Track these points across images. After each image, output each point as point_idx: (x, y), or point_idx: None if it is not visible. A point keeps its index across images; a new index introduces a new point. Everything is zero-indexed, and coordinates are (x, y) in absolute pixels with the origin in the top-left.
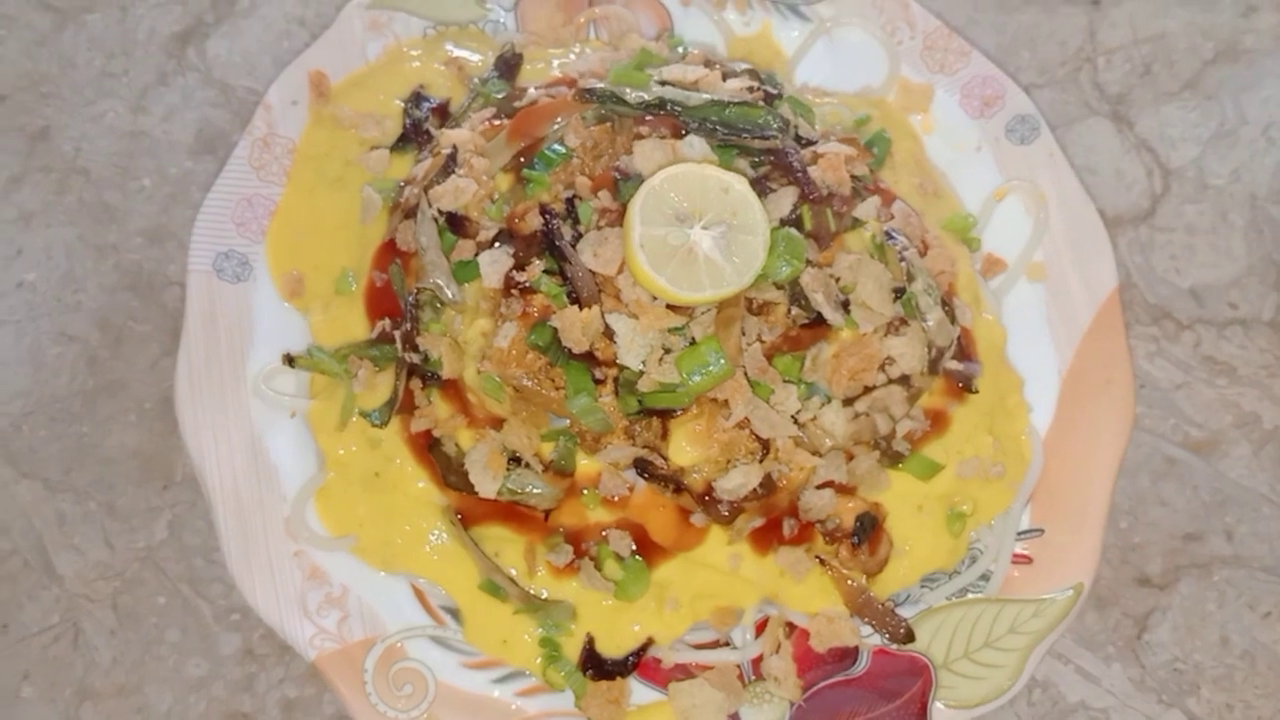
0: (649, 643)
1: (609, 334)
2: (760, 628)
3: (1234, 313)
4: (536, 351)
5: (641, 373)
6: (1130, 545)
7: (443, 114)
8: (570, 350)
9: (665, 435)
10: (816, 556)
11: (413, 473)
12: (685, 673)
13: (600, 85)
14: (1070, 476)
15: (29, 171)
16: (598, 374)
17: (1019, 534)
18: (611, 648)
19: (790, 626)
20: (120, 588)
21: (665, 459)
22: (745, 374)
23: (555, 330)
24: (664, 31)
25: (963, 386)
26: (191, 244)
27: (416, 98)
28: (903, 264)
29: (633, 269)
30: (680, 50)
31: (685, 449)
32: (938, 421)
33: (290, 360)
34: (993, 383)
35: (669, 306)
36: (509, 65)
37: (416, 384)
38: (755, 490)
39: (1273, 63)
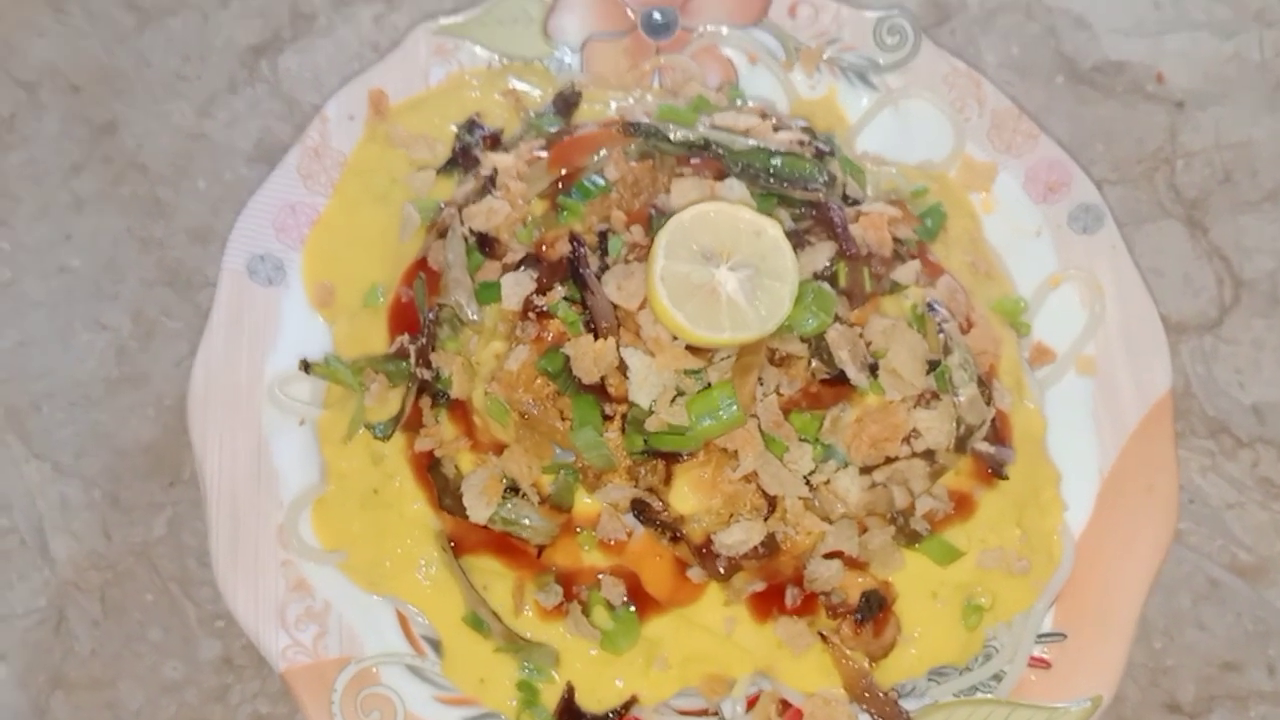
0: (632, 701)
1: (622, 369)
2: (751, 703)
3: None
4: (545, 378)
5: (650, 412)
6: (1162, 668)
7: (494, 142)
8: (580, 381)
9: (669, 480)
10: (819, 632)
11: (410, 493)
12: None
13: (645, 121)
14: (1100, 582)
15: (90, 161)
16: (606, 409)
17: (1039, 636)
18: (592, 702)
19: (783, 705)
20: (111, 580)
21: (666, 504)
22: (759, 426)
23: (567, 358)
24: (726, 84)
25: (992, 472)
26: (229, 243)
27: (470, 124)
28: (941, 336)
29: (651, 302)
30: (739, 103)
31: (687, 496)
32: (962, 506)
33: (306, 366)
34: (1028, 474)
35: (688, 349)
36: (567, 103)
37: (426, 403)
38: (757, 549)
39: None
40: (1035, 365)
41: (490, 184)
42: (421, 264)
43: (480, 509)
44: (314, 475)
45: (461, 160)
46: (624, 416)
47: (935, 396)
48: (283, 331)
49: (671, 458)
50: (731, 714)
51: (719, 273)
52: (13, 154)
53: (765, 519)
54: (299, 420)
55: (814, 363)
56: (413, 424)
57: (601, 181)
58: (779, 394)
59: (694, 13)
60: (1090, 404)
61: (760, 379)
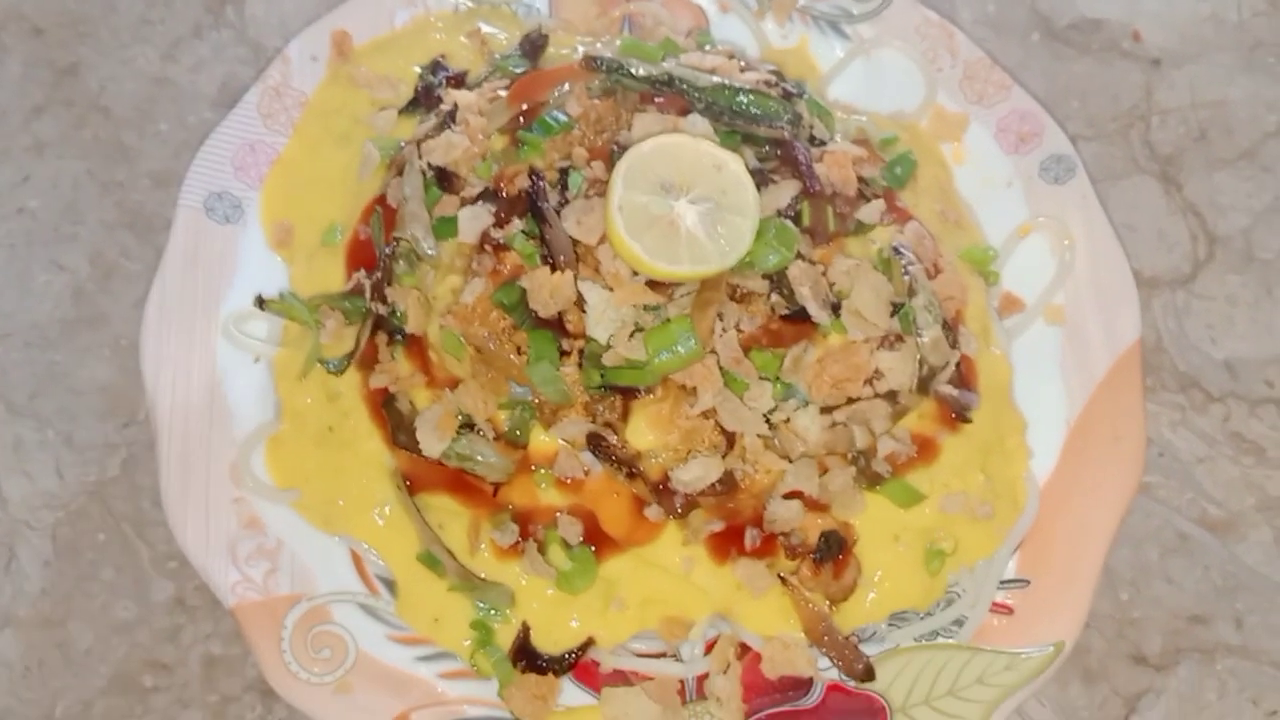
0: (589, 643)
1: (580, 304)
2: (710, 647)
3: (1269, 391)
4: (501, 311)
5: (608, 347)
6: (1128, 619)
7: (458, 83)
8: (536, 315)
9: (626, 416)
10: (778, 575)
11: (365, 430)
12: (622, 680)
13: (607, 55)
14: (1065, 530)
15: (51, 104)
16: (563, 345)
17: (1002, 582)
18: (548, 643)
19: (743, 648)
20: (63, 519)
21: (623, 441)
22: (718, 363)
23: (524, 291)
24: (695, 30)
25: (956, 415)
26: (185, 180)
27: (434, 66)
28: (906, 278)
29: (608, 233)
30: (707, 48)
31: (644, 432)
32: (925, 449)
33: (261, 303)
34: (992, 420)
35: (648, 284)
36: (534, 46)
37: (382, 340)
38: (714, 486)
39: None
40: (1004, 315)
41: (450, 119)
42: (379, 201)
43: (434, 444)
44: (269, 414)
45: (424, 100)
46: (581, 352)
47: (899, 339)
48: (240, 270)
49: (629, 393)
50: (689, 656)
51: (678, 205)
52: None
53: (723, 456)
54: (254, 358)
55: (774, 298)
56: (368, 361)
57: (563, 118)
58: (739, 330)
59: None
60: (1058, 353)
61: (720, 315)
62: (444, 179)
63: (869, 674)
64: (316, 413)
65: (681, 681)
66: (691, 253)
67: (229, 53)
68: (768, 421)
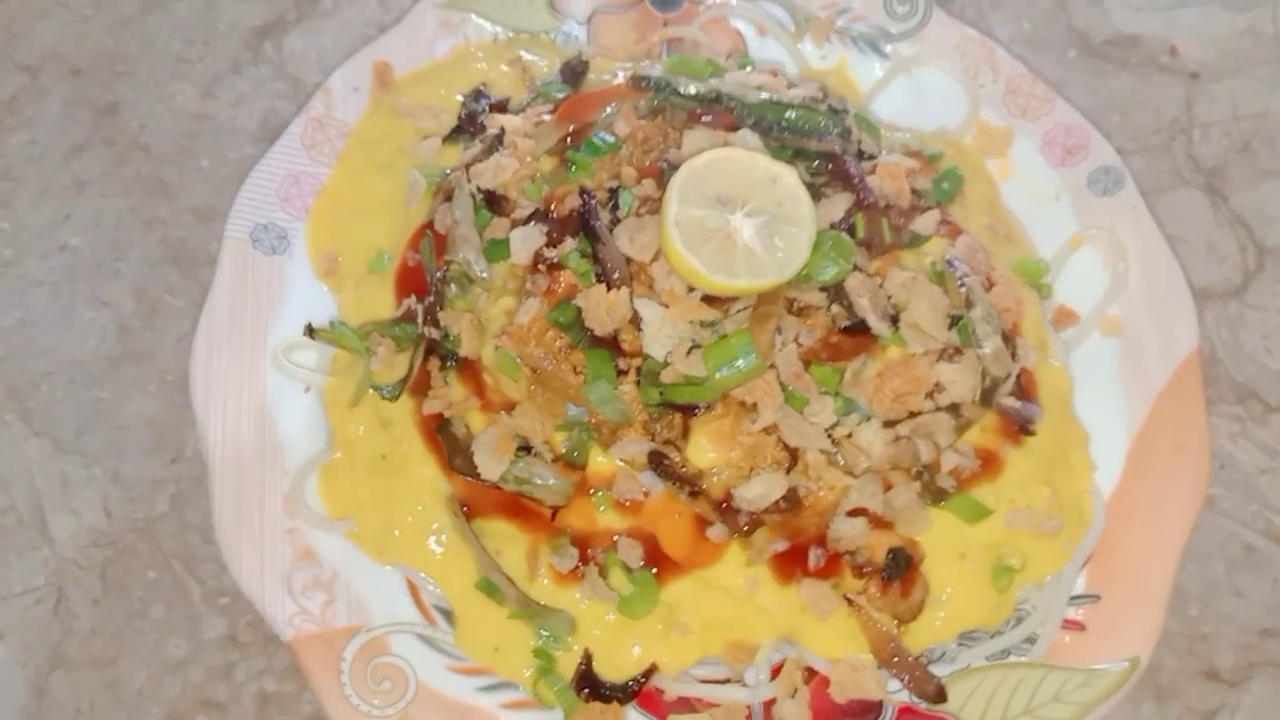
0: (652, 669)
1: (635, 322)
2: (775, 672)
3: None
4: (557, 330)
5: (666, 364)
6: (1199, 635)
7: (501, 109)
8: (592, 334)
9: (686, 434)
10: (844, 596)
11: (420, 456)
12: (687, 707)
13: (655, 74)
14: (1133, 543)
15: (92, 143)
16: (620, 364)
17: (1072, 598)
18: (610, 670)
19: (809, 672)
20: (111, 557)
21: (684, 459)
22: (778, 378)
23: (579, 310)
24: (735, 53)
25: (1020, 429)
26: (231, 212)
27: (476, 94)
28: (963, 290)
29: (665, 247)
30: (748, 70)
31: (705, 448)
32: (989, 464)
33: (311, 331)
34: (1055, 434)
35: (704, 300)
36: (574, 72)
37: (435, 365)
38: (778, 503)
39: None
40: (1059, 328)
41: (498, 142)
42: (428, 227)
43: (492, 466)
44: (320, 443)
45: (468, 127)
46: (638, 370)
47: (958, 351)
48: (287, 300)
49: (688, 411)
50: (755, 681)
51: (734, 219)
52: (14, 136)
53: (787, 472)
54: (304, 388)
55: (834, 308)
56: (420, 387)
57: (611, 139)
58: (798, 344)
59: None
60: (1116, 365)
61: (779, 328)
62: (493, 202)
63: (940, 695)
64: (369, 440)
65: (748, 709)
66: (749, 266)
67: (268, 88)
68: (830, 438)
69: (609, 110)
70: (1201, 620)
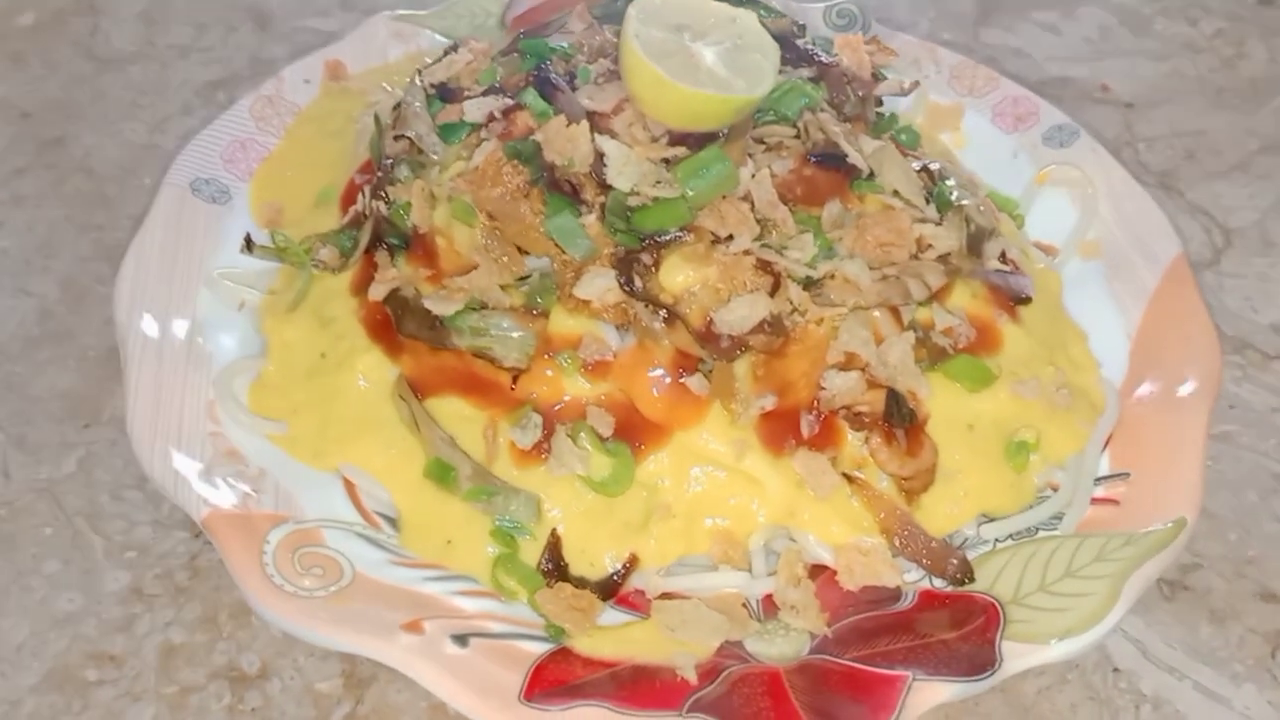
0: (632, 562)
1: (596, 170)
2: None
3: None
4: (515, 166)
5: (634, 192)
6: (1245, 559)
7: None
8: (552, 174)
9: (657, 267)
10: (844, 474)
11: (364, 346)
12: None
13: None
14: (1155, 422)
15: (34, 167)
16: (582, 209)
17: (1099, 479)
18: (583, 564)
19: (814, 570)
20: (4, 516)
21: (657, 284)
22: (753, 210)
23: (538, 146)
24: None
25: (1012, 299)
26: (172, 165)
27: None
28: (936, 167)
29: (626, 57)
30: None
31: (679, 267)
32: (986, 336)
33: (250, 245)
34: (1051, 323)
35: (670, 144)
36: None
37: (384, 257)
38: (763, 325)
39: None
40: None
41: (451, 51)
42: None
43: (446, 305)
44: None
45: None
46: (603, 207)
47: (939, 225)
48: (225, 246)
49: (658, 244)
50: (755, 572)
51: (694, 45)
52: None
53: (771, 295)
54: (239, 304)
55: (807, 133)
56: (364, 284)
57: (564, 46)
58: (772, 174)
59: None
60: (1103, 281)
61: (750, 156)
62: (446, 94)
63: (964, 571)
64: (307, 341)
65: (745, 603)
66: (714, 82)
67: None
68: (813, 279)
69: (561, 15)
70: (1244, 544)
